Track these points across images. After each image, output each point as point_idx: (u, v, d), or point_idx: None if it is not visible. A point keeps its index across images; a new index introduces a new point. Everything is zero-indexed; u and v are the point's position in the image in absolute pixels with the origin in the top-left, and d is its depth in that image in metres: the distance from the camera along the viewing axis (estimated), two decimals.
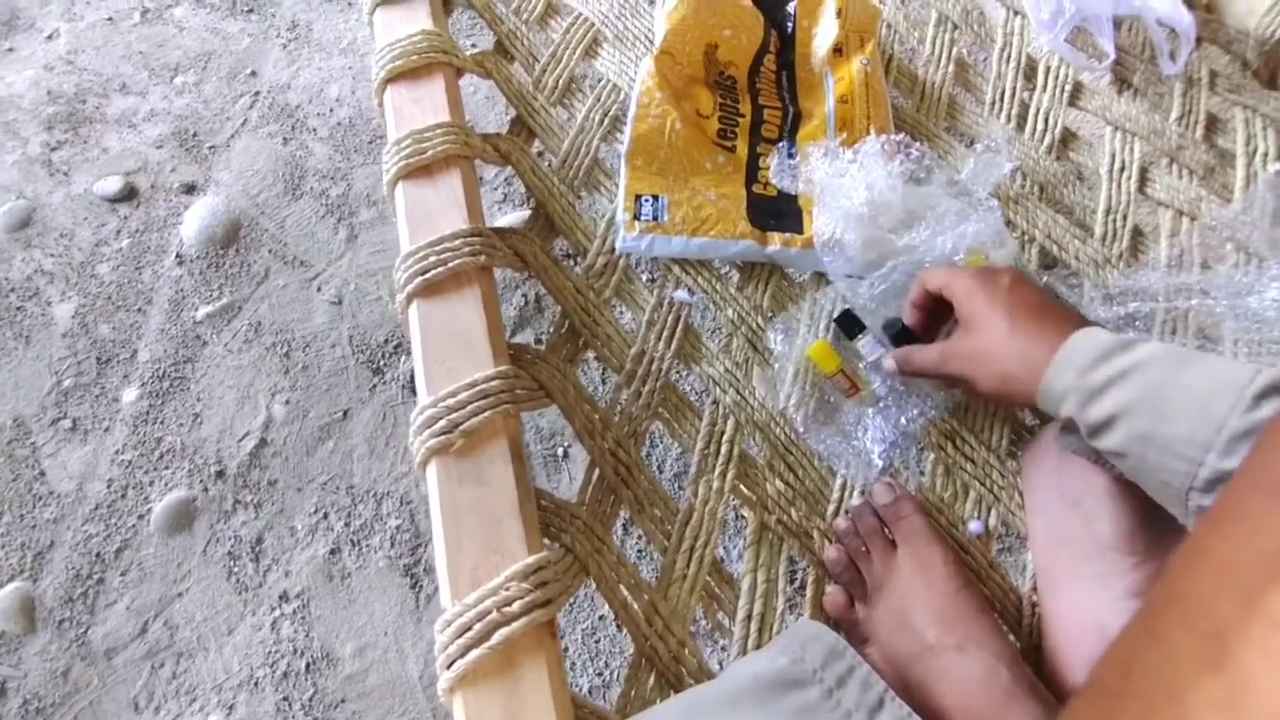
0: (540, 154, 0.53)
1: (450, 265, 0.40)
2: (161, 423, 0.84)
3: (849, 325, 0.47)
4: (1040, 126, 0.58)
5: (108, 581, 0.76)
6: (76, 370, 0.87)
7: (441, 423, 0.35)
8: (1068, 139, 0.58)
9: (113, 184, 0.99)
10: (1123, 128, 0.58)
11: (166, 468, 0.81)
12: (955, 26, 0.62)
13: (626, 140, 0.51)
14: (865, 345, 0.47)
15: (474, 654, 0.30)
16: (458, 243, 0.41)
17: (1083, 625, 0.38)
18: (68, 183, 1.00)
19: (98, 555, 0.77)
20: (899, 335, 0.46)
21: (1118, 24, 0.61)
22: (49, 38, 1.14)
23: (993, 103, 0.59)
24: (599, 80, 0.56)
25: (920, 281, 0.44)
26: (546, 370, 0.41)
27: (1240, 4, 0.63)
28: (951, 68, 0.60)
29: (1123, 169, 0.56)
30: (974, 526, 0.45)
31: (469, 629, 0.30)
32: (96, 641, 0.74)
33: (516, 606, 0.31)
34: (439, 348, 0.38)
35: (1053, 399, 0.36)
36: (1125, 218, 0.54)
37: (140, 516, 0.79)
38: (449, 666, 0.30)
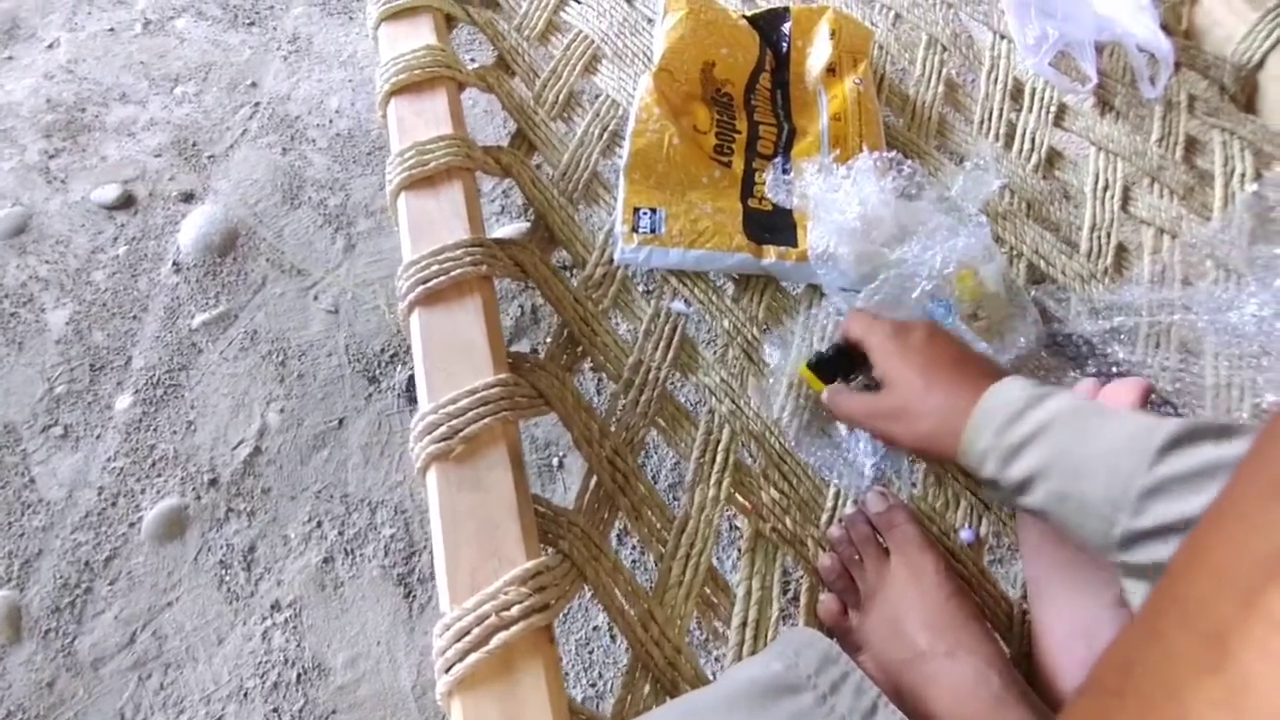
0: (539, 166, 0.54)
1: (452, 274, 0.41)
2: (155, 430, 0.84)
3: (821, 372, 0.47)
4: (1027, 146, 0.60)
5: (96, 590, 0.76)
6: (69, 377, 0.87)
7: (442, 429, 0.35)
8: (1053, 158, 0.60)
9: (110, 192, 0.99)
10: (1106, 148, 0.60)
11: (159, 475, 0.81)
12: (945, 49, 0.64)
13: (625, 154, 0.52)
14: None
15: (472, 658, 0.30)
16: (459, 252, 0.42)
17: (1071, 633, 0.38)
18: (65, 190, 1.00)
19: (86, 564, 0.77)
20: (822, 365, 0.46)
21: (1100, 49, 0.63)
22: (49, 47, 1.15)
23: (981, 122, 0.61)
24: (598, 96, 0.58)
25: (842, 327, 0.45)
26: (545, 378, 0.42)
27: (1218, 31, 0.65)
28: (941, 88, 0.62)
29: (1106, 188, 0.58)
30: (965, 535, 0.46)
31: (467, 633, 0.31)
32: (83, 652, 0.73)
33: (515, 611, 0.31)
34: (440, 355, 0.39)
35: (973, 459, 0.36)
36: (1109, 235, 0.56)
37: (131, 525, 0.79)
38: (447, 670, 0.30)
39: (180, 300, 0.92)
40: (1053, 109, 0.61)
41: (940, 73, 0.63)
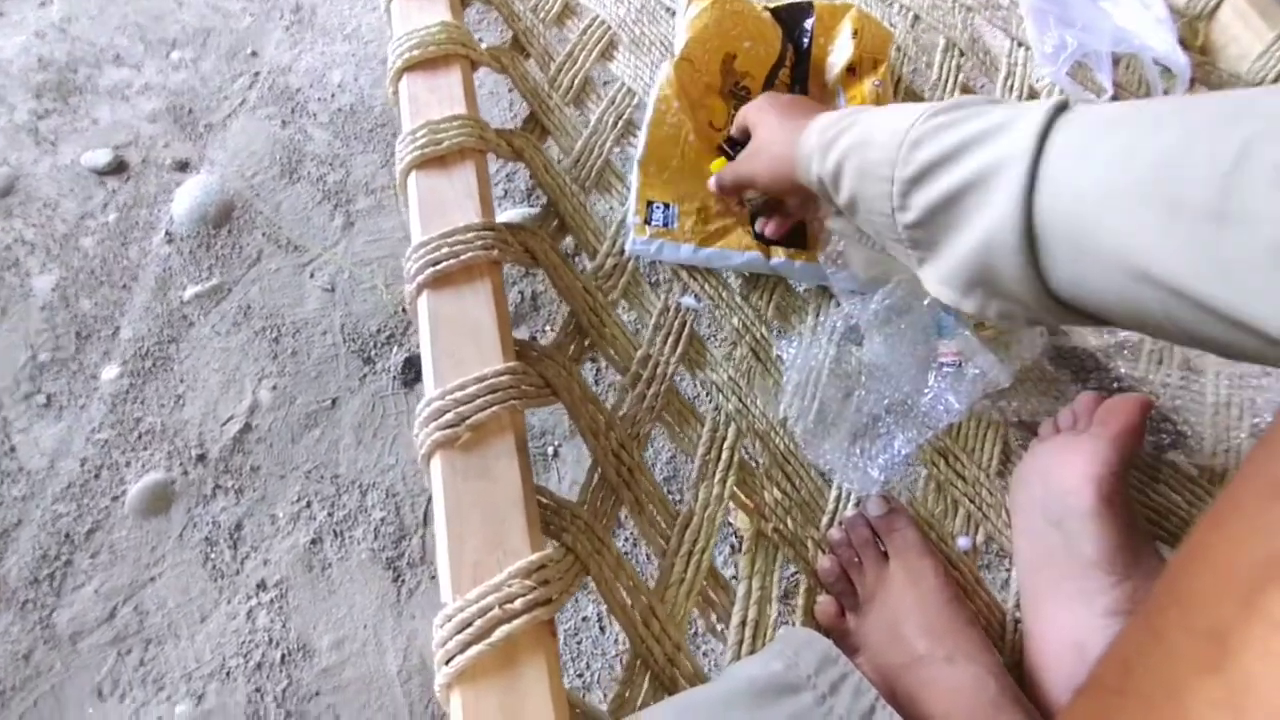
0: (551, 151, 0.53)
1: (463, 258, 0.40)
2: (142, 403, 0.82)
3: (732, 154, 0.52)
4: None
5: (76, 563, 0.74)
6: (55, 345, 0.85)
7: (449, 415, 0.35)
8: None
9: (101, 156, 0.97)
10: None
11: (145, 449, 0.80)
12: (962, 53, 0.64)
13: (641, 146, 0.52)
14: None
15: (474, 650, 0.30)
16: (471, 235, 0.41)
17: (1063, 642, 0.39)
18: (54, 152, 0.97)
19: (67, 535, 0.75)
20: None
21: (1116, 60, 0.63)
22: (41, 4, 1.11)
23: None
24: (613, 82, 0.57)
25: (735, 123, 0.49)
26: (553, 368, 0.41)
27: (1233, 48, 0.65)
28: (957, 93, 0.62)
29: None
30: (962, 542, 0.46)
31: (470, 624, 0.30)
32: (62, 624, 0.71)
33: (519, 604, 0.31)
34: (448, 340, 0.38)
35: (803, 165, 0.39)
36: None
37: (115, 498, 0.77)
38: (448, 662, 0.30)
39: (172, 271, 0.90)
40: None
41: (956, 77, 0.63)
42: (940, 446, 0.48)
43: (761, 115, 0.45)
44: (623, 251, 0.50)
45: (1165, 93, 0.62)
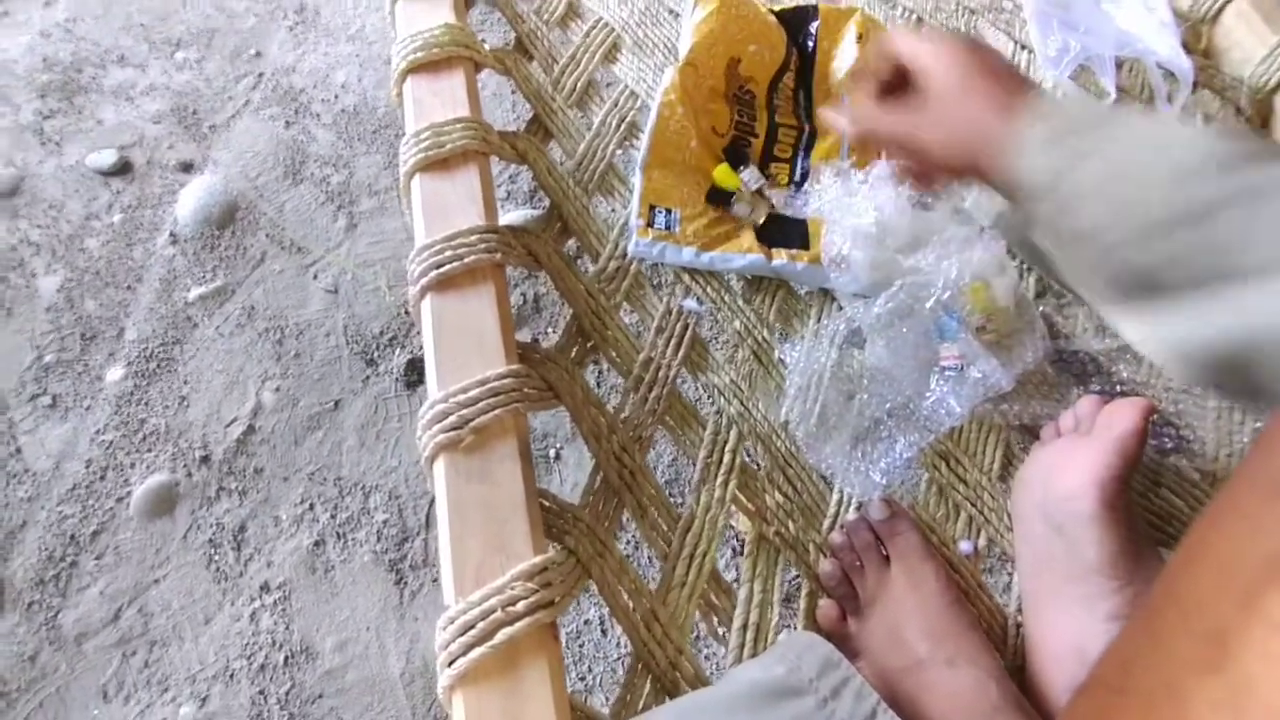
0: (554, 154, 0.53)
1: (466, 260, 0.40)
2: (146, 404, 0.82)
3: (734, 160, 0.53)
4: None
5: (82, 565, 0.74)
6: (59, 346, 0.85)
7: (452, 418, 0.35)
8: None
9: (106, 157, 0.97)
10: None
11: (149, 450, 0.80)
12: None
13: (644, 150, 0.52)
14: (746, 175, 0.52)
15: (476, 653, 0.30)
16: (474, 238, 0.41)
17: (1065, 647, 0.39)
18: (59, 153, 0.98)
19: (72, 537, 0.76)
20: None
21: (1119, 64, 0.63)
22: (46, 4, 1.11)
23: None
24: (617, 85, 0.57)
25: (880, 49, 0.39)
26: (556, 371, 0.42)
27: (1236, 52, 0.65)
28: None
29: None
30: (964, 546, 0.46)
31: (472, 627, 0.30)
32: (67, 626, 0.72)
33: (521, 606, 0.31)
34: (451, 343, 0.38)
35: (1009, 159, 0.32)
36: None
37: (119, 499, 0.77)
38: (450, 664, 0.30)
39: (176, 272, 0.90)
40: None
41: None
42: (942, 450, 0.48)
43: (950, 73, 0.35)
44: (625, 254, 0.50)
45: (1169, 97, 0.62)
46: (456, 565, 0.32)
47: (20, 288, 0.88)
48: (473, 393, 0.36)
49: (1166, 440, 0.48)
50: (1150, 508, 0.46)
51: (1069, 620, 0.39)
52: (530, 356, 0.42)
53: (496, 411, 0.35)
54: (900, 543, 0.43)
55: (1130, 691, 0.19)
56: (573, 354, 0.45)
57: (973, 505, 0.47)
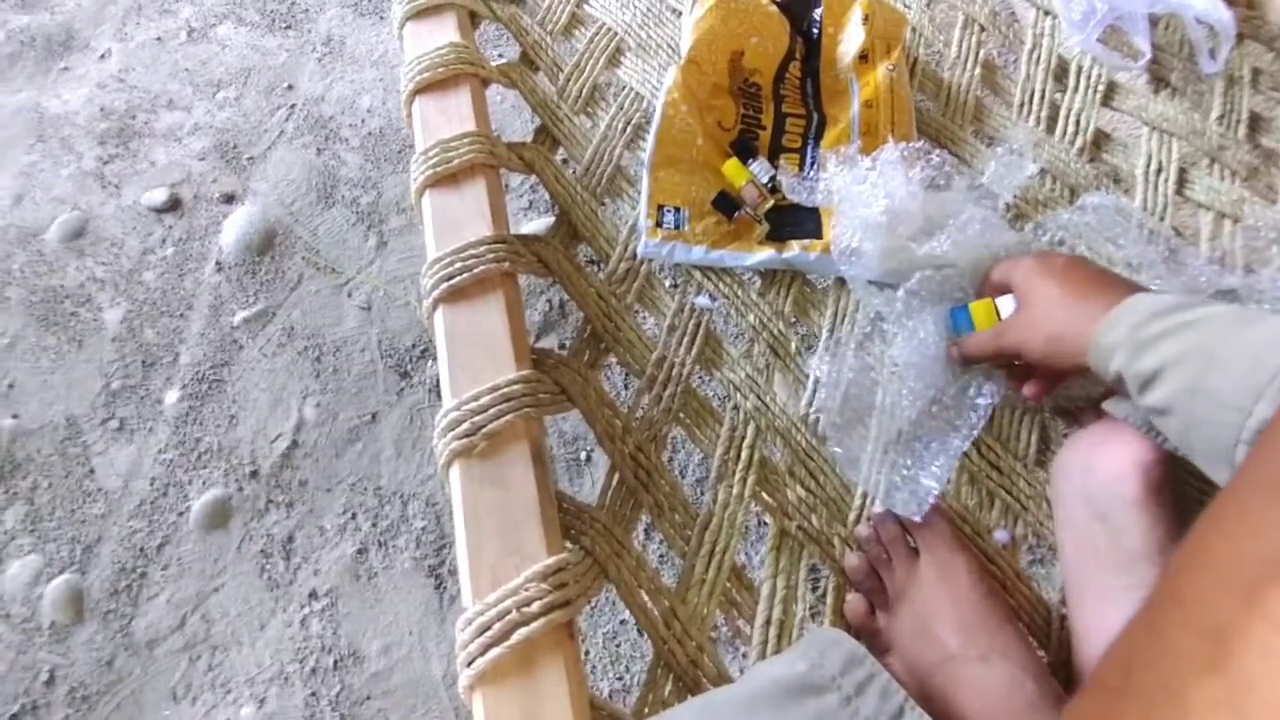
0: (564, 161, 0.54)
1: (475, 271, 0.41)
2: (200, 423, 0.87)
3: (743, 155, 0.52)
4: (1071, 128, 0.57)
5: (150, 575, 0.79)
6: (124, 373, 0.91)
7: (465, 425, 0.36)
8: (1100, 140, 0.57)
9: (159, 195, 1.03)
10: (1160, 128, 0.56)
11: (204, 467, 0.84)
12: (983, 29, 0.62)
13: (650, 151, 0.52)
14: (755, 167, 0.52)
15: (493, 653, 0.30)
16: (482, 249, 0.42)
17: (1110, 634, 0.37)
18: (118, 194, 1.05)
19: (141, 550, 0.81)
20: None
21: (1154, 22, 0.60)
22: (101, 57, 1.19)
23: (1021, 105, 0.58)
24: (622, 88, 0.57)
25: (987, 281, 0.45)
26: (569, 374, 0.42)
27: None
28: (978, 70, 0.59)
29: (1160, 170, 0.55)
30: (1000, 535, 0.44)
31: (489, 628, 0.31)
32: (139, 633, 0.77)
33: (536, 607, 0.31)
34: (463, 352, 0.39)
35: (1102, 353, 0.35)
36: (1163, 220, 0.53)
37: (180, 514, 0.82)
38: (469, 664, 0.31)
39: (223, 298, 0.95)
40: (1101, 88, 0.58)
41: (978, 54, 0.60)
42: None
43: (1036, 282, 0.40)
44: (635, 255, 0.50)
45: (1211, 53, 0.58)
46: (473, 568, 0.33)
47: (89, 321, 0.95)
48: (484, 400, 0.36)
49: None
50: (1209, 492, 0.43)
51: (1114, 612, 0.37)
52: (544, 362, 0.42)
53: (508, 417, 0.36)
54: (929, 534, 0.41)
55: (1130, 691, 0.19)
56: (586, 357, 0.45)
57: (1008, 493, 0.45)
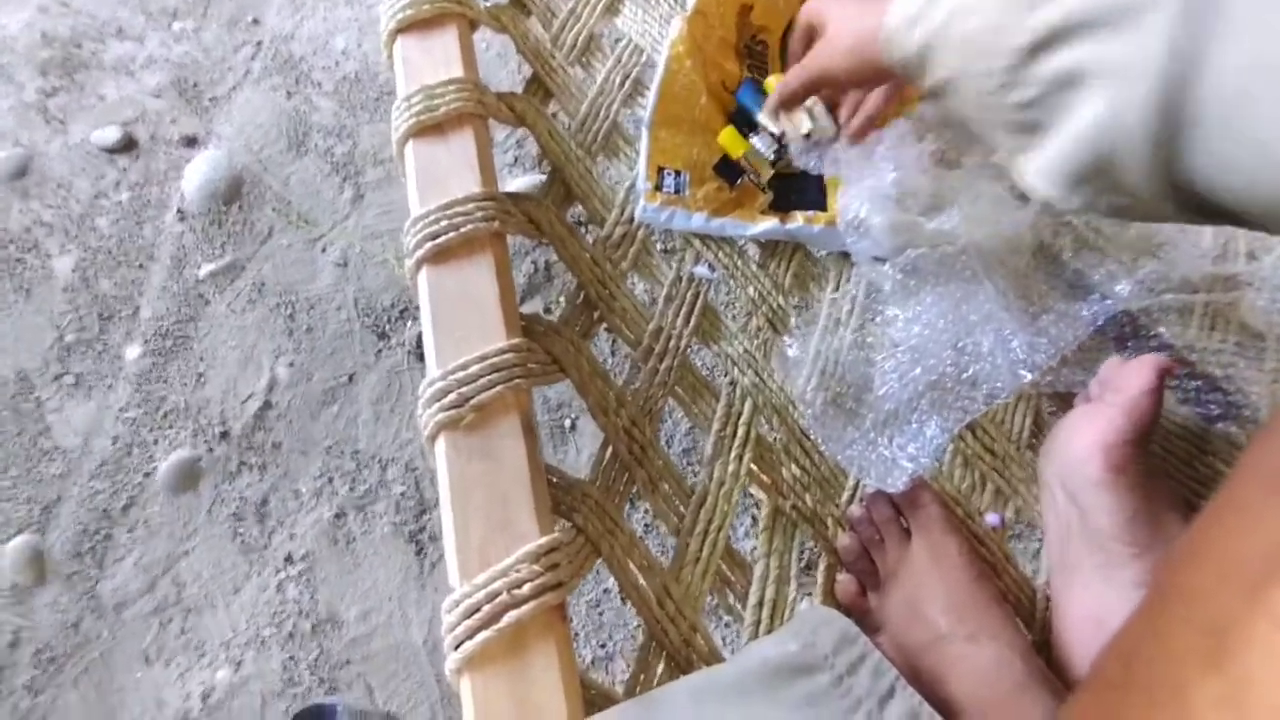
0: (556, 115, 0.51)
1: (462, 230, 0.38)
2: (165, 381, 0.83)
3: (742, 125, 0.50)
4: None
5: (115, 537, 0.77)
6: (79, 325, 0.86)
7: (451, 396, 0.34)
8: None
9: (111, 134, 0.96)
10: None
11: (170, 427, 0.81)
12: None
13: (650, 108, 0.49)
14: (758, 141, 0.49)
15: (482, 636, 0.29)
16: (470, 206, 0.39)
17: (1085, 619, 0.37)
18: (64, 131, 0.97)
19: (104, 511, 0.78)
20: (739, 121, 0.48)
21: None
22: None
23: None
24: (620, 39, 0.53)
25: (796, 27, 0.45)
26: (560, 344, 0.40)
27: None
28: None
29: None
30: (991, 519, 0.44)
31: (477, 610, 0.30)
32: (106, 595, 0.74)
33: (527, 589, 0.30)
34: (449, 317, 0.37)
35: (887, 45, 0.34)
36: None
37: (146, 474, 0.79)
38: (457, 648, 0.29)
39: (186, 249, 0.90)
40: None
41: None
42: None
43: (828, 3, 0.41)
44: (632, 219, 0.47)
45: None
46: (460, 547, 0.32)
47: (36, 269, 0.89)
48: (472, 369, 0.34)
49: (1213, 406, 0.45)
50: (1194, 475, 0.44)
51: (1086, 592, 0.37)
52: (534, 329, 0.40)
53: (498, 388, 0.34)
54: (922, 515, 0.41)
55: (1132, 686, 0.19)
56: (578, 325, 0.43)
57: (1000, 476, 0.45)
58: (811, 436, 0.44)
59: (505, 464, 0.34)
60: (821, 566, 0.42)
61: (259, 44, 1.04)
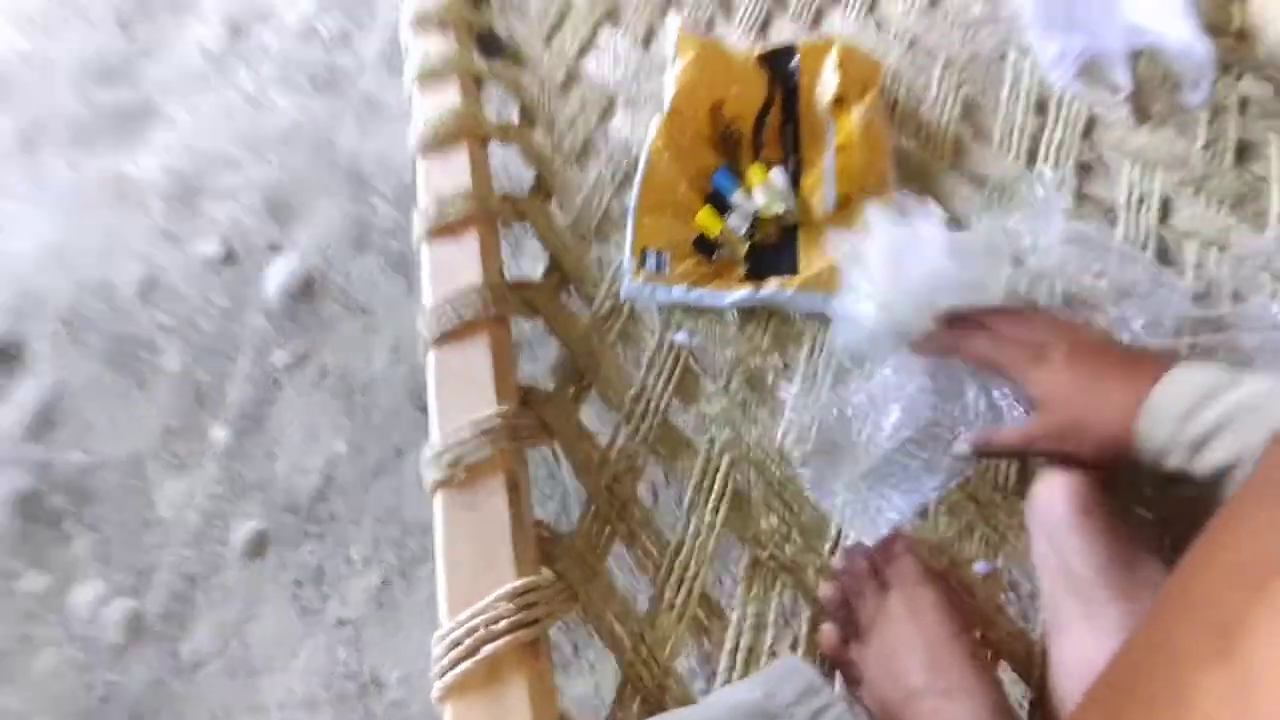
0: (562, 207, 0.58)
1: (465, 317, 0.45)
2: (244, 459, 0.94)
3: (718, 206, 0.55)
4: (1051, 161, 0.58)
5: (196, 602, 0.85)
6: (180, 412, 1.00)
7: (446, 457, 0.39)
8: (1081, 173, 0.58)
9: (216, 248, 1.14)
10: (1142, 158, 0.57)
11: (246, 500, 0.91)
12: (962, 69, 0.64)
13: (635, 197, 0.56)
14: (733, 219, 0.54)
15: (461, 667, 0.33)
16: (472, 295, 0.46)
17: (1069, 664, 0.37)
18: (182, 248, 1.16)
19: (190, 577, 0.87)
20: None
21: (1134, 55, 0.61)
22: (172, 124, 1.34)
23: (1001, 141, 0.60)
24: (611, 140, 0.62)
25: (949, 343, 0.43)
26: (552, 410, 0.45)
27: (1273, 30, 0.60)
28: (958, 109, 0.61)
29: (1142, 200, 0.55)
30: (980, 567, 0.44)
31: (459, 644, 0.34)
32: (185, 655, 0.82)
33: (502, 625, 0.34)
34: (451, 390, 0.43)
35: (1151, 454, 0.34)
36: (1145, 249, 0.53)
37: (224, 544, 0.88)
38: (440, 677, 0.33)
39: (266, 341, 1.03)
40: (1080, 122, 0.59)
41: (957, 94, 0.62)
42: None
43: (1047, 387, 0.39)
44: (618, 295, 0.53)
45: (1194, 84, 0.59)
46: (450, 588, 0.36)
47: (151, 365, 1.05)
48: (464, 435, 0.40)
49: None
50: (1169, 510, 0.42)
51: (1071, 639, 0.37)
52: (532, 397, 0.46)
53: (485, 450, 0.39)
54: (897, 567, 0.42)
55: (1137, 688, 0.19)
56: (569, 393, 0.49)
57: (987, 524, 0.45)
58: (790, 490, 0.46)
59: (491, 517, 0.38)
60: (804, 616, 0.43)
61: (333, 162, 1.22)
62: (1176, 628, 0.19)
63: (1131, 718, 0.19)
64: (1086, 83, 0.60)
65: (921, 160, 0.59)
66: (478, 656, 0.33)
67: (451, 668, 0.33)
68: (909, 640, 0.39)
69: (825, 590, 0.43)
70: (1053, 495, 0.38)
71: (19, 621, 0.84)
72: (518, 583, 0.35)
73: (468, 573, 0.36)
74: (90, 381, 1.03)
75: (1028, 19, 0.63)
